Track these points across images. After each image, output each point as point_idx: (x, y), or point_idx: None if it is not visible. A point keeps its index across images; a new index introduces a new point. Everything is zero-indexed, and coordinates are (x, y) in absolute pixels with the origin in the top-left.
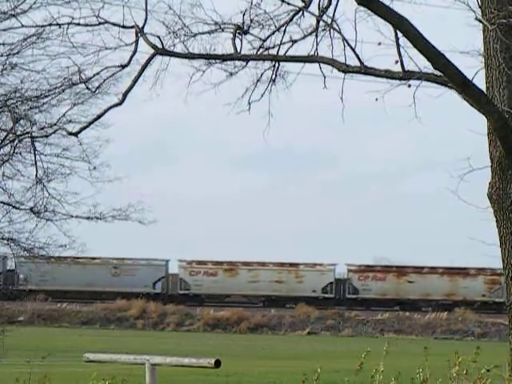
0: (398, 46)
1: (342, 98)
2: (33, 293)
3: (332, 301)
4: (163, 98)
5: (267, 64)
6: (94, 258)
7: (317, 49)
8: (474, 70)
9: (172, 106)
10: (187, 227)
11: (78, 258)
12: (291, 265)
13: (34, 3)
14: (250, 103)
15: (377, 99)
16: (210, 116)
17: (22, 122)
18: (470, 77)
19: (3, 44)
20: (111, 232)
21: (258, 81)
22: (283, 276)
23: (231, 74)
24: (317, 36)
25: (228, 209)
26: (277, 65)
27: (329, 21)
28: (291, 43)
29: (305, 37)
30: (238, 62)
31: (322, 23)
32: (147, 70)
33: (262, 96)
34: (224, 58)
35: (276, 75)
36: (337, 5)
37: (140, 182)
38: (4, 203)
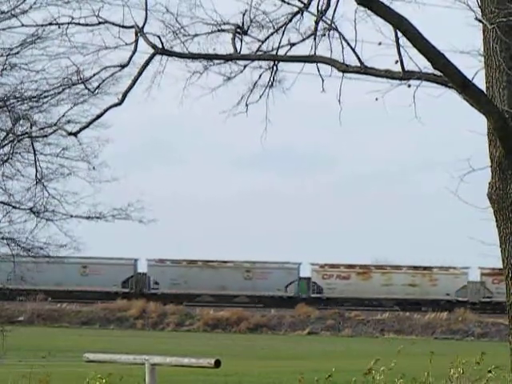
0: (398, 45)
1: (339, 101)
2: (164, 296)
3: (466, 304)
4: (164, 99)
5: (265, 68)
6: (225, 262)
7: (315, 51)
8: (474, 69)
9: (173, 107)
10: (186, 227)
11: (209, 261)
12: (425, 268)
13: (34, 3)
14: (247, 105)
15: (377, 99)
16: (211, 118)
17: (21, 121)
18: (469, 77)
19: (3, 47)
20: (111, 232)
21: (255, 84)
22: (417, 279)
23: (228, 79)
24: (315, 38)
25: (227, 209)
26: (275, 68)
27: (328, 22)
28: (290, 46)
29: (304, 39)
30: (235, 67)
31: (321, 25)
32: (145, 71)
33: (260, 97)
34: (224, 57)
35: (273, 79)
36: (336, 6)
37: (139, 182)
38: (4, 203)
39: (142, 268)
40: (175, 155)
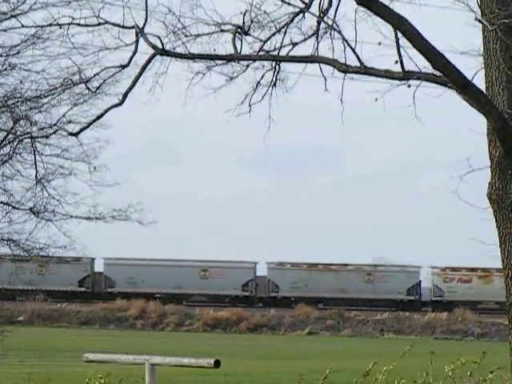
0: (398, 46)
1: (341, 100)
2: (285, 300)
3: None
4: (166, 100)
5: (267, 67)
6: (345, 265)
7: (317, 50)
8: (474, 70)
9: (175, 108)
10: (188, 227)
11: (330, 264)
12: None
13: (34, 3)
14: (250, 105)
15: (377, 99)
16: (213, 118)
17: (21, 122)
18: (469, 77)
19: (2, 46)
20: (111, 232)
21: (258, 84)
22: None
23: (231, 79)
24: (317, 38)
25: (229, 209)
26: (277, 68)
27: (330, 22)
28: (292, 46)
29: (305, 39)
30: (237, 67)
31: (323, 25)
32: (147, 72)
33: (262, 98)
34: (224, 58)
35: (276, 79)
36: (338, 6)
37: (141, 183)
38: (4, 203)
39: (262, 271)
40: (177, 156)
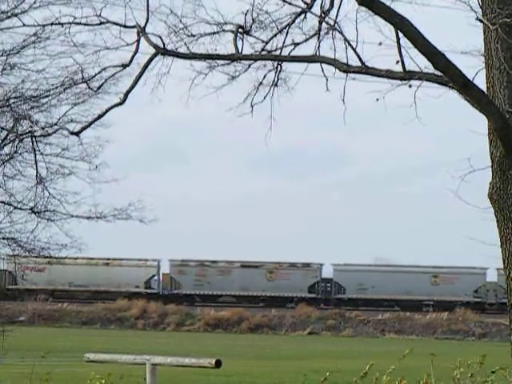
0: (399, 46)
1: (343, 100)
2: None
3: None
4: (169, 100)
5: (269, 67)
6: None
7: (319, 50)
8: (475, 69)
9: (179, 108)
10: (195, 228)
11: None
12: None
13: (34, 2)
14: (252, 106)
15: (378, 99)
16: (219, 118)
17: (23, 121)
18: (470, 77)
19: (3, 44)
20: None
21: (260, 83)
22: None
23: (233, 78)
24: (319, 38)
25: (231, 211)
26: (279, 68)
27: (331, 22)
28: (293, 46)
29: (307, 39)
30: (239, 66)
31: (324, 25)
32: (150, 72)
33: (264, 98)
34: (225, 57)
35: (278, 78)
36: (340, 6)
37: (145, 182)
38: (5, 203)
39: (492, 277)
40: (183, 156)
